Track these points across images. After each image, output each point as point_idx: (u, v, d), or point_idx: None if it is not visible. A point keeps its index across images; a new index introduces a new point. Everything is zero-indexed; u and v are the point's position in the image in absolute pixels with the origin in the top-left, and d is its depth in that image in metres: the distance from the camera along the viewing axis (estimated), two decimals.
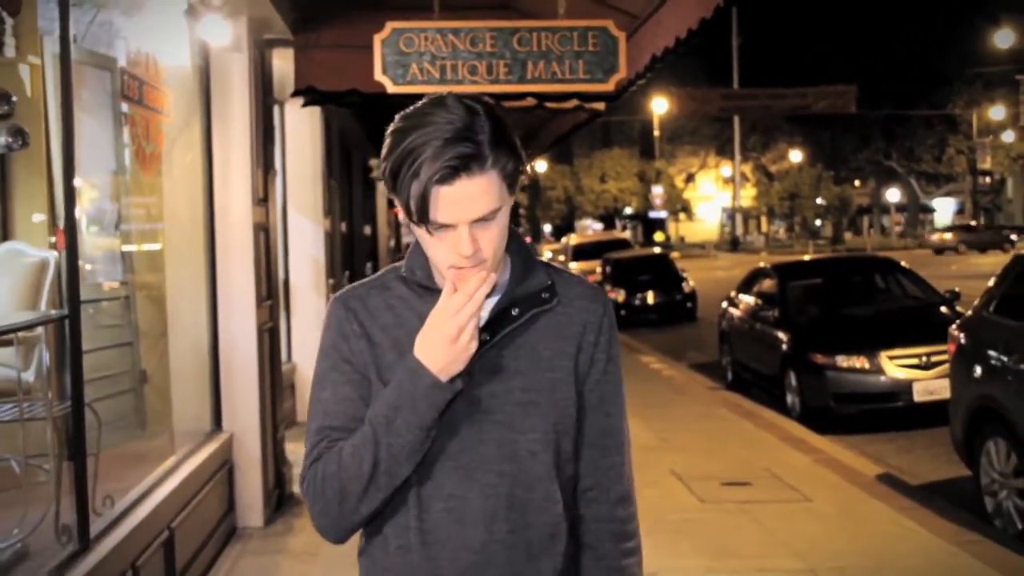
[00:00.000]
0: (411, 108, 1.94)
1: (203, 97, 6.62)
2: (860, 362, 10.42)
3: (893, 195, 69.56)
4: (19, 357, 4.89)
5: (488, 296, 1.96)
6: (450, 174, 1.85)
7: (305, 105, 8.08)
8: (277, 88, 7.89)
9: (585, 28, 5.89)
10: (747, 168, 68.43)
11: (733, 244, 65.17)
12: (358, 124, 14.79)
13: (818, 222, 71.91)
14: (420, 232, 1.93)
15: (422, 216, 1.88)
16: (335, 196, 12.93)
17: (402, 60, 5.94)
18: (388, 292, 2.07)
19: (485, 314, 1.99)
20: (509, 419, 2.00)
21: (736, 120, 59.78)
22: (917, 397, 10.06)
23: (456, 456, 1.99)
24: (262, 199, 7.10)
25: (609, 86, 5.97)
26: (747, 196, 69.79)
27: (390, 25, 5.97)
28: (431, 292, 2.01)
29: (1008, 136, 58.13)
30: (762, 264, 14.47)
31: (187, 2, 6.04)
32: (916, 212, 73.25)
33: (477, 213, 1.88)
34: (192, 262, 6.65)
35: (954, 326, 7.68)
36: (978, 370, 7.14)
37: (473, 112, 1.89)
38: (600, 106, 8.16)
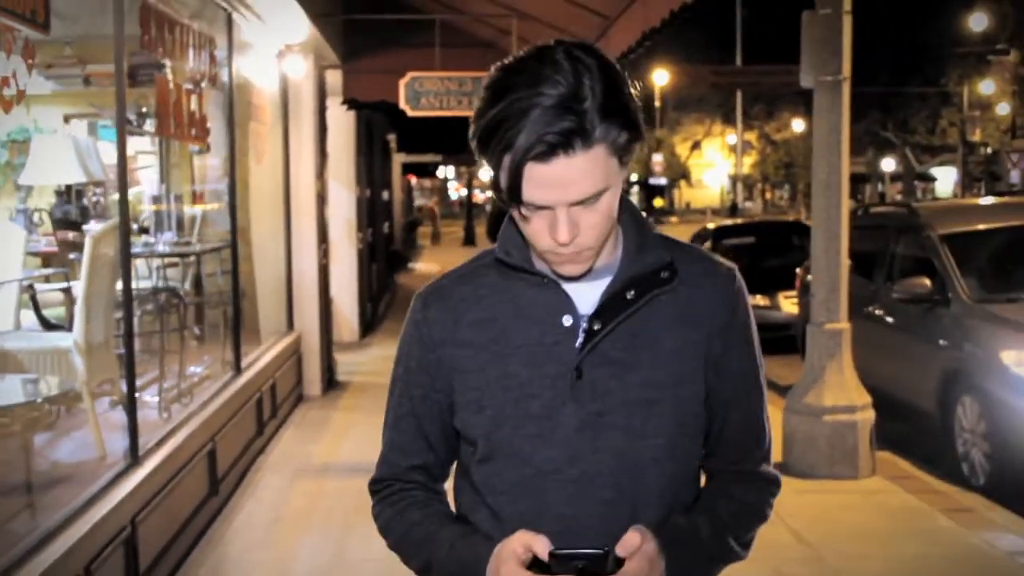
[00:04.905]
0: (513, 58, 1.64)
1: (283, 108, 9.86)
2: (763, 301, 13.67)
3: (888, 165, 72.38)
4: (181, 273, 8.18)
5: (597, 278, 1.74)
6: (547, 152, 1.55)
7: (349, 109, 11.40)
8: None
9: None
10: (752, 136, 71.15)
11: (732, 210, 68.01)
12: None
13: None
14: (513, 212, 1.67)
15: (513, 195, 1.60)
16: (361, 168, 16.12)
17: (416, 95, 9.33)
18: (478, 280, 1.81)
19: (595, 299, 1.73)
20: (628, 422, 1.71)
21: (739, 91, 62.43)
22: None
23: (566, 469, 1.71)
24: (319, 175, 10.36)
25: None
26: (750, 164, 72.53)
27: (410, 74, 9.41)
28: (527, 273, 1.75)
29: (1003, 109, 60.92)
30: (708, 225, 17.68)
31: (277, 49, 9.27)
32: (911, 181, 76.08)
33: (577, 196, 1.59)
34: (274, 217, 9.88)
35: (799, 268, 10.91)
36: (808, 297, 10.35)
37: (582, 71, 1.57)
38: None
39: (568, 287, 1.74)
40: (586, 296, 1.74)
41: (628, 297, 1.72)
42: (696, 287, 1.77)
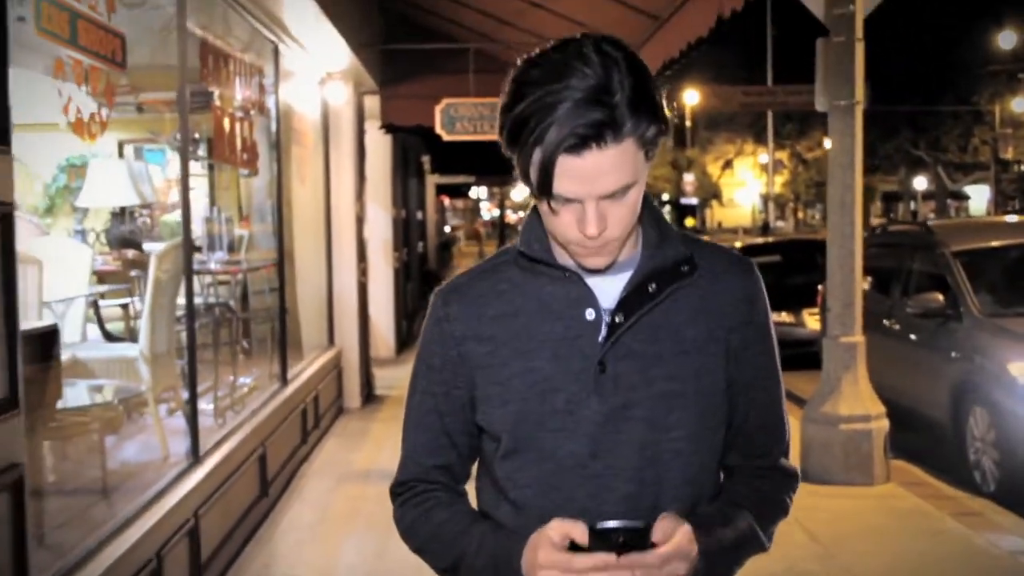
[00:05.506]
0: (539, 52, 1.66)
1: (324, 132, 10.34)
2: (788, 317, 14.02)
3: (920, 183, 72.28)
4: (230, 291, 8.64)
5: (618, 272, 1.74)
6: (579, 144, 1.56)
7: (387, 133, 11.89)
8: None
9: None
10: (784, 155, 71.08)
11: (764, 228, 67.95)
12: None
13: None
14: (540, 205, 1.67)
15: (543, 189, 1.61)
16: (398, 189, 16.60)
17: (452, 120, 9.83)
18: (497, 276, 1.81)
19: (617, 292, 1.73)
20: (650, 414, 1.71)
21: (769, 111, 62.55)
22: None
23: (589, 462, 1.71)
24: (358, 196, 10.82)
25: None
26: (781, 183, 72.52)
27: (445, 100, 9.88)
28: (549, 267, 1.75)
29: None
30: (735, 243, 18.02)
31: (319, 77, 9.76)
32: (944, 199, 75.86)
33: (607, 188, 1.60)
34: (316, 237, 10.34)
35: (821, 286, 11.24)
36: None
37: (611, 64, 1.58)
38: None
39: (590, 281, 1.74)
40: (607, 290, 1.74)
41: (650, 290, 1.73)
42: (715, 280, 1.78)
